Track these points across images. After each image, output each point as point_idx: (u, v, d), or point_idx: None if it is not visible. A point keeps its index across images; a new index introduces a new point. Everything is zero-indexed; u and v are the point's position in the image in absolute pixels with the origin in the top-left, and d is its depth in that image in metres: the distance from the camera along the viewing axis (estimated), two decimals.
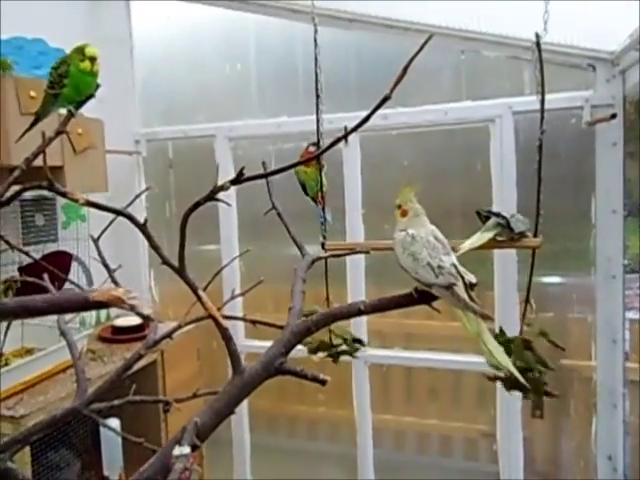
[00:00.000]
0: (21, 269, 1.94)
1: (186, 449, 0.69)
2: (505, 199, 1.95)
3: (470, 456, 2.65)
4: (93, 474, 1.70)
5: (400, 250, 1.02)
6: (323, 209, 1.69)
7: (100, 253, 1.08)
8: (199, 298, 0.81)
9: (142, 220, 0.81)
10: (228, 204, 0.77)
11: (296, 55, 2.44)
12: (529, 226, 1.45)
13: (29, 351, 1.86)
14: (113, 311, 2.46)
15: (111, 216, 0.87)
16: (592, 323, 1.97)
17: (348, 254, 1.40)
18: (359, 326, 2.18)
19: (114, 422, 1.71)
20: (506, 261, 1.99)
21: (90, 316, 2.37)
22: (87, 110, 2.16)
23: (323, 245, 1.64)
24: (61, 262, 2.15)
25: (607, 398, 1.90)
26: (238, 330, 2.36)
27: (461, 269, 0.97)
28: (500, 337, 1.36)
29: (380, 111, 2.39)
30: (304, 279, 1.08)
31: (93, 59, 1.01)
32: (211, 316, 0.81)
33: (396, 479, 2.59)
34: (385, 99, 0.71)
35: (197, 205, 0.75)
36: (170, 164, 2.66)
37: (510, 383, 1.27)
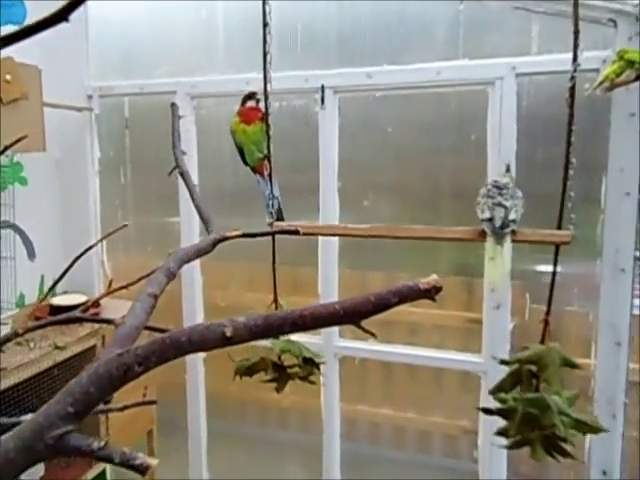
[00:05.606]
0: None
1: None
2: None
3: (450, 453, 2.45)
4: None
5: None
6: (270, 181, 1.40)
7: None
8: None
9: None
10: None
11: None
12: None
13: None
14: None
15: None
16: (594, 320, 1.73)
17: (271, 234, 1.12)
18: None
19: None
20: None
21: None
22: (30, 57, 1.84)
23: (271, 225, 1.36)
24: None
25: (606, 408, 1.67)
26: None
27: None
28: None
29: (364, 69, 2.05)
30: (173, 273, 0.70)
31: None
32: None
33: (366, 474, 2.39)
34: None
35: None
36: (126, 124, 2.35)
37: (517, 444, 1.02)
